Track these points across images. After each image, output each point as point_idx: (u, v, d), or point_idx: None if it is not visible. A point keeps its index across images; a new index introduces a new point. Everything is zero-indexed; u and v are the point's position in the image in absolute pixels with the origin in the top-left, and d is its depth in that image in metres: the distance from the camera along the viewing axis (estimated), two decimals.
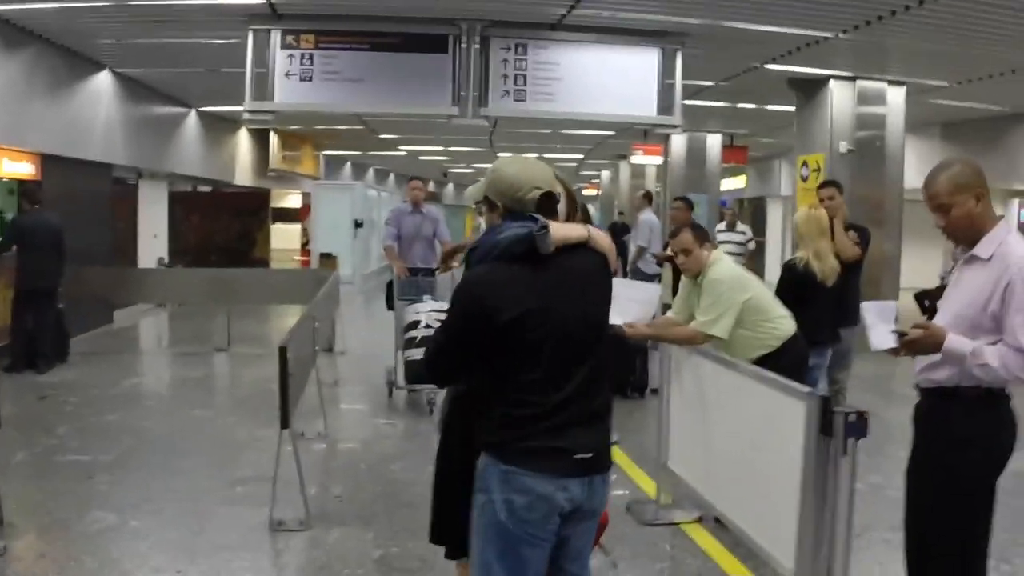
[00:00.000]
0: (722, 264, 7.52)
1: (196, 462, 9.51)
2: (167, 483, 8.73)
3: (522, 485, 3.83)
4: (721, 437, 6.90)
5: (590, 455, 3.94)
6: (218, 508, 8.03)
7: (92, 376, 14.04)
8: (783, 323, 7.50)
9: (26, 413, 11.62)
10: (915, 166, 19.21)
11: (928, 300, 15.96)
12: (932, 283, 22.98)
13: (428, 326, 5.35)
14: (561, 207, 4.27)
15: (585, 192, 51.80)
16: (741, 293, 7.30)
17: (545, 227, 3.84)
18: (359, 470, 9.42)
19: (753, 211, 38.23)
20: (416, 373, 5.56)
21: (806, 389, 5.50)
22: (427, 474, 5.15)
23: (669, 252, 9.46)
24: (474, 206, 4.41)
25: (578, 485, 3.92)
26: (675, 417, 7.89)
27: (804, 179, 17.82)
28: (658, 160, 29.22)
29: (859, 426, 4.93)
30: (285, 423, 7.14)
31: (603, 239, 4.18)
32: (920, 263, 21.91)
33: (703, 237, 7.61)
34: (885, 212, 17.04)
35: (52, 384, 13.33)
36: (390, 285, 12.59)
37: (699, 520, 7.74)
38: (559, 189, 4.21)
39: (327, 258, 28.50)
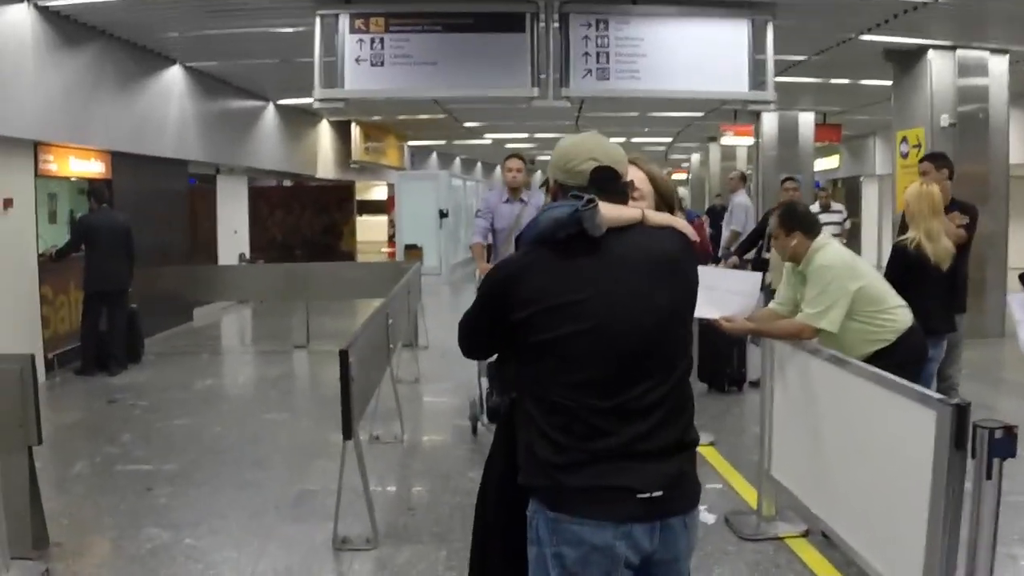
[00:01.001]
0: (830, 249, 6.77)
1: (265, 473, 8.96)
2: (231, 497, 8.21)
3: (572, 536, 3.19)
4: (832, 444, 6.12)
5: (660, 493, 3.20)
6: (283, 525, 7.47)
7: (165, 378, 13.65)
8: (900, 314, 6.76)
9: (92, 418, 11.28)
10: (1019, 139, 18.43)
11: None
12: None
13: None
14: (645, 204, 3.69)
15: (675, 176, 50.91)
16: (852, 281, 6.56)
17: (592, 203, 3.22)
18: (436, 478, 8.74)
19: (847, 191, 37.28)
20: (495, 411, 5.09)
21: (937, 396, 4.72)
22: None
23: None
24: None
25: (645, 532, 3.22)
26: (779, 420, 7.13)
27: (904, 156, 17.02)
28: (749, 141, 28.23)
29: (1006, 444, 4.15)
30: (348, 433, 6.47)
31: (682, 223, 3.55)
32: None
33: (788, 224, 6.89)
34: (990, 188, 16.18)
35: (123, 387, 12.94)
36: None
37: (805, 534, 7.04)
38: (627, 171, 3.61)
39: (412, 249, 28.01)
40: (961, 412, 4.41)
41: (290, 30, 14.55)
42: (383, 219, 41.00)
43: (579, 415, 3.21)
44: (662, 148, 41.26)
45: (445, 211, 29.90)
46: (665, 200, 3.80)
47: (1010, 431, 4.16)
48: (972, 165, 15.87)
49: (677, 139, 37.07)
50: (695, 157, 46.18)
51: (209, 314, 20.10)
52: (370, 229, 39.99)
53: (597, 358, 3.24)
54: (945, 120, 16.21)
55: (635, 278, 3.31)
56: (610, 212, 3.29)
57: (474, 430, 10.13)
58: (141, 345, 14.87)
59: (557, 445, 3.21)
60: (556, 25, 12.69)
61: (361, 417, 7.30)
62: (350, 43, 12.50)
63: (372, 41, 12.45)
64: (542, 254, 3.32)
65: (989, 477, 4.19)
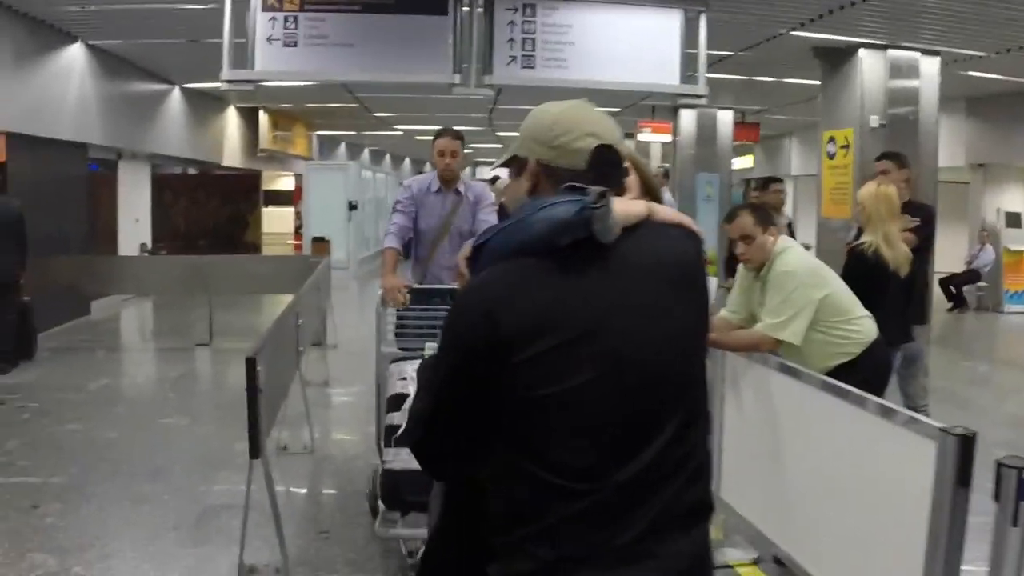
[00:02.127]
0: (792, 253, 6.19)
1: (163, 485, 8.24)
2: (126, 514, 7.51)
3: None
4: (796, 468, 5.50)
5: None
6: (183, 549, 6.79)
7: (58, 377, 12.87)
8: (865, 324, 6.24)
9: None
10: (948, 143, 18.23)
11: (954, 286, 14.87)
12: (959, 268, 22.30)
13: None
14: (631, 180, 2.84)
15: None
16: (817, 289, 6.00)
17: (604, 197, 2.43)
18: (349, 496, 8.04)
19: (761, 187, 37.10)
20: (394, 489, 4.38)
21: (938, 424, 4.09)
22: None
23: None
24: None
25: None
26: (730, 438, 6.55)
27: (831, 156, 16.63)
28: (666, 138, 27.65)
29: None
30: (255, 452, 5.70)
31: (689, 219, 2.79)
32: (948, 246, 20.69)
33: (766, 220, 6.30)
34: (920, 192, 15.69)
35: (12, 387, 12.13)
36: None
37: (756, 562, 6.50)
38: (626, 154, 2.81)
39: (319, 242, 27.29)
40: (966, 444, 3.86)
41: (199, 7, 13.79)
42: (290, 210, 40.34)
43: (587, 494, 2.40)
44: None
45: (355, 203, 29.17)
46: (651, 193, 3.01)
47: None
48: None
49: None
50: None
51: (108, 307, 19.19)
52: (276, 220, 39.33)
53: (613, 410, 2.44)
54: (875, 121, 15.85)
55: (651, 295, 2.54)
56: (624, 208, 2.56)
57: (373, 513, 6.76)
58: (34, 341, 14.03)
59: (554, 539, 2.40)
60: (480, 9, 12.02)
61: (271, 429, 6.61)
62: (262, 21, 11.70)
63: (286, 20, 11.67)
64: (533, 267, 2.48)
65: (1015, 524, 3.60)
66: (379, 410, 7.11)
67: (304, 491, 8.29)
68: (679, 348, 2.55)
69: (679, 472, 2.48)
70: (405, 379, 5.24)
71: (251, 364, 5.58)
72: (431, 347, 6.22)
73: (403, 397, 5.16)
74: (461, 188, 8.48)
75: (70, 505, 7.69)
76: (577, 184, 2.51)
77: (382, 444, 6.28)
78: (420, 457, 2.70)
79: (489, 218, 8.23)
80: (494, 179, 28.41)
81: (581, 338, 2.41)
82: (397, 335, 7.78)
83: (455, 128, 8.73)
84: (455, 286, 6.73)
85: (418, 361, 5.40)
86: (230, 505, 7.31)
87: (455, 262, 6.96)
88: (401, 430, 4.53)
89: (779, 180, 13.51)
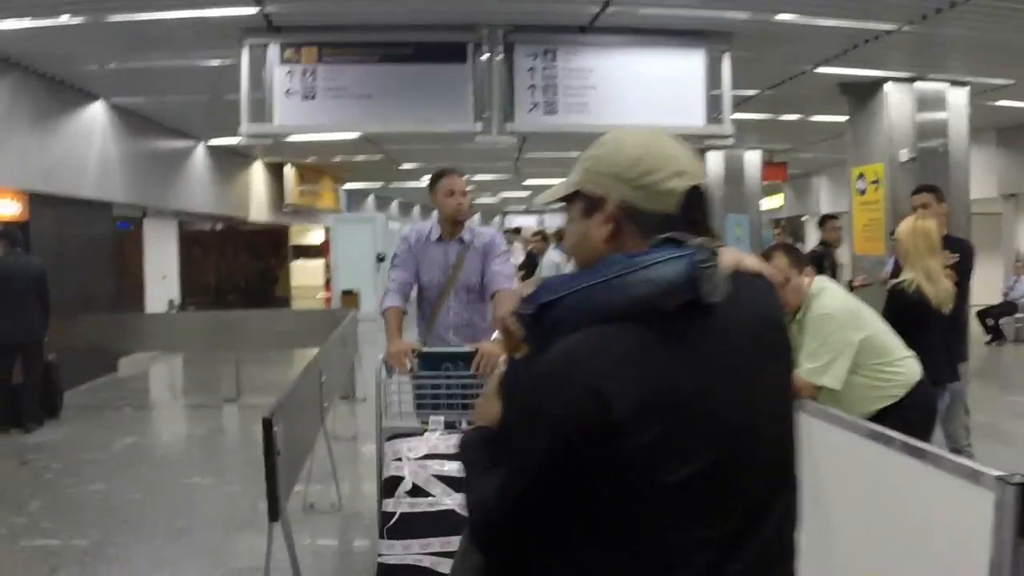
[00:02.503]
0: (829, 294, 6.02)
1: (185, 548, 8.03)
2: None
3: None
4: (838, 522, 5.21)
5: None
6: None
7: (83, 435, 12.69)
8: (908, 365, 6.03)
9: (1, 482, 10.29)
10: (979, 174, 18.02)
11: (992, 319, 14.55)
12: (995, 300, 21.98)
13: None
14: None
15: None
16: (856, 331, 5.82)
17: (712, 255, 2.15)
18: (376, 556, 7.80)
19: (791, 231, 36.98)
20: None
21: (995, 473, 3.74)
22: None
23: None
24: (517, 226, 2.91)
25: None
26: None
27: (862, 192, 16.42)
28: None
29: None
30: (274, 514, 5.51)
31: (768, 267, 2.58)
32: (983, 278, 20.36)
33: (801, 261, 6.10)
34: (953, 225, 15.52)
35: (36, 446, 12.00)
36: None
37: None
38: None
39: (348, 295, 27.17)
40: None
41: (218, 63, 13.79)
42: (319, 263, 40.32)
43: None
44: None
45: (383, 255, 29.04)
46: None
47: None
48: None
49: None
50: None
51: (136, 364, 19.02)
52: (306, 273, 39.32)
53: (735, 493, 2.20)
54: (904, 155, 15.65)
55: (756, 361, 2.29)
56: (731, 260, 2.34)
57: None
58: (60, 399, 13.87)
59: None
60: (500, 56, 11.92)
61: (291, 490, 6.41)
62: (279, 75, 11.70)
63: (303, 72, 11.66)
64: (635, 334, 2.13)
65: None
66: (379, 494, 6.26)
67: (330, 553, 8.05)
68: (785, 417, 2.39)
69: (785, 556, 2.35)
70: (400, 460, 5.14)
71: (267, 424, 5.41)
72: (436, 421, 6.19)
73: (398, 480, 5.10)
74: (466, 236, 7.42)
75: (88, 568, 7.52)
76: (677, 236, 2.21)
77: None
78: (487, 546, 2.33)
79: (503, 268, 7.33)
80: (517, 229, 28.34)
81: (697, 416, 2.13)
82: (419, 406, 6.79)
83: (457, 168, 7.80)
84: (466, 348, 6.68)
85: (415, 439, 5.47)
86: (253, 568, 7.09)
87: (464, 320, 7.48)
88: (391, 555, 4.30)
89: (835, 216, 13.39)
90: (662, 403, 2.07)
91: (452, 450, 4.84)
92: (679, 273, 2.10)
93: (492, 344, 6.33)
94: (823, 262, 11.91)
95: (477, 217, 52.26)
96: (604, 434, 2.04)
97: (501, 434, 2.37)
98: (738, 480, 2.18)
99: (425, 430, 6.15)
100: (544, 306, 2.22)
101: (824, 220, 13.44)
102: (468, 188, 7.66)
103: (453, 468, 5.52)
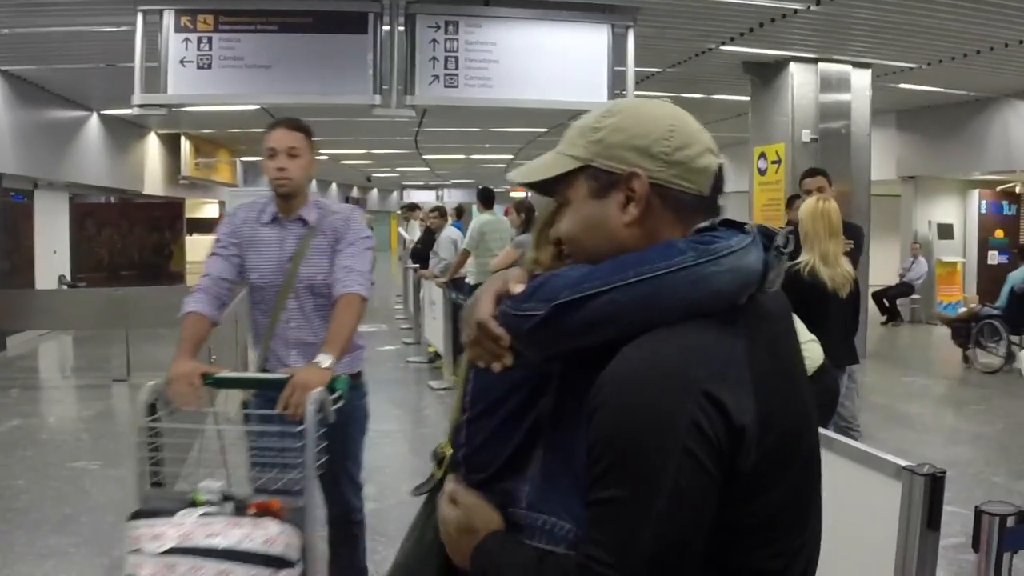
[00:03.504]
0: None
1: (70, 539, 7.70)
2: (29, 571, 7.01)
3: None
4: None
5: None
6: None
7: None
8: (812, 349, 5.95)
9: None
10: (880, 156, 18.19)
11: (888, 300, 14.57)
12: (892, 281, 22.21)
13: None
14: None
15: (513, 195, 50.24)
16: None
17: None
18: None
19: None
20: None
21: (903, 463, 3.68)
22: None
23: None
24: (411, 203, 2.63)
25: None
26: None
27: (763, 172, 16.48)
28: None
29: (1021, 534, 3.23)
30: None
31: None
32: (881, 259, 20.53)
33: None
34: (853, 206, 15.68)
35: None
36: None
37: None
38: None
39: None
40: (935, 484, 3.48)
41: (112, 29, 13.34)
42: (214, 238, 39.86)
43: None
44: (502, 166, 40.69)
45: None
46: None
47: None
48: (834, 183, 15.39)
49: (518, 156, 36.36)
50: None
51: (25, 342, 18.59)
52: (201, 248, 38.66)
53: (808, 509, 2.06)
54: (807, 136, 15.74)
55: (796, 354, 2.12)
56: None
57: None
58: None
59: None
60: (401, 27, 11.68)
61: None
62: (175, 43, 11.32)
63: (199, 41, 11.30)
64: (715, 331, 1.89)
65: (998, 574, 3.24)
66: None
67: None
68: (816, 426, 2.16)
69: (817, 550, 2.14)
70: (139, 553, 3.77)
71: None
72: (209, 489, 4.33)
73: None
74: (310, 215, 5.39)
75: None
76: (730, 221, 2.00)
77: None
78: None
79: (355, 262, 5.17)
80: (414, 205, 28.08)
81: (796, 427, 1.97)
82: (254, 464, 5.15)
83: (298, 119, 5.76)
84: (279, 375, 4.90)
85: (161, 521, 3.93)
86: None
87: (310, 334, 5.26)
88: None
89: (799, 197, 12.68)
90: (767, 409, 1.87)
91: (216, 541, 3.82)
92: (759, 262, 1.94)
93: (310, 370, 4.67)
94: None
95: (333, 190, 51.62)
96: (728, 448, 1.81)
97: (604, 479, 1.83)
98: (807, 491, 2.05)
99: (193, 503, 4.28)
100: (565, 306, 1.93)
101: (791, 200, 12.72)
102: (311, 145, 5.70)
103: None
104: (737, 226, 1.97)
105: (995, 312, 16.32)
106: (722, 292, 1.88)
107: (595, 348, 1.90)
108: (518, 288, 2.05)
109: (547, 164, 2.15)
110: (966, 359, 15.97)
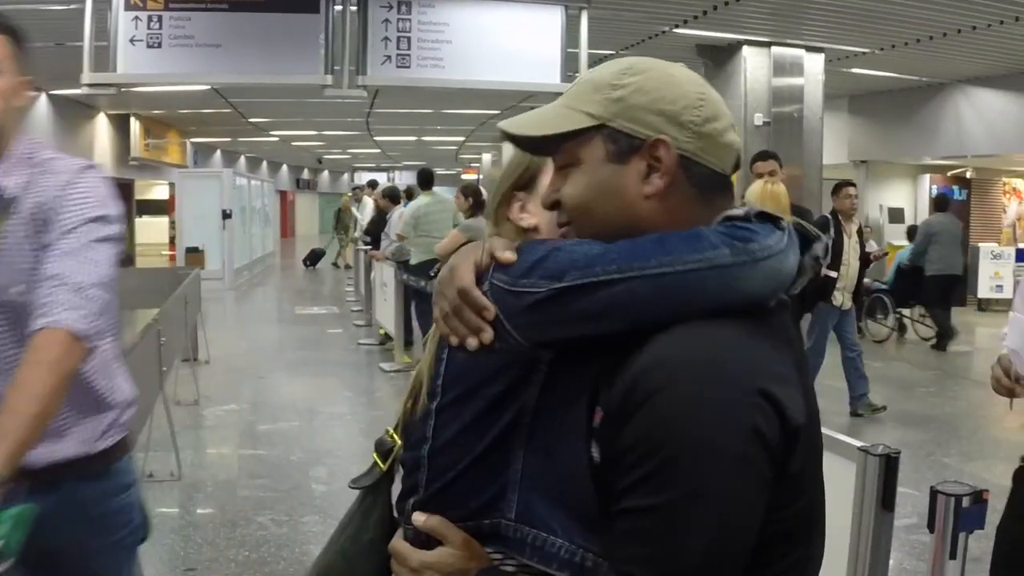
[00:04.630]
0: None
1: None
2: None
3: None
4: None
5: None
6: None
7: None
8: None
9: None
10: (832, 141, 18.26)
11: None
12: None
13: None
14: None
15: (465, 176, 50.08)
16: None
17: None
18: (220, 527, 7.45)
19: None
20: None
21: (858, 444, 3.65)
22: (303, 528, 3.34)
23: None
24: (371, 180, 2.49)
25: None
26: None
27: None
28: None
29: (976, 515, 3.21)
30: None
31: None
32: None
33: None
34: (805, 190, 15.70)
35: None
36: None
37: None
38: None
39: (193, 253, 26.57)
40: (890, 464, 3.46)
41: (61, 7, 13.16)
42: (164, 220, 39.55)
43: None
44: (453, 148, 40.63)
45: (228, 212, 28.45)
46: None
47: (980, 497, 3.23)
48: (786, 167, 15.42)
49: (469, 138, 36.29)
50: (487, 157, 45.25)
51: None
52: (151, 230, 38.41)
53: (822, 521, 1.89)
54: (759, 119, 15.71)
55: (804, 359, 1.90)
56: None
57: None
58: None
59: None
60: (354, 7, 11.57)
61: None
62: (124, 21, 11.13)
63: (149, 19, 11.11)
64: (752, 330, 1.73)
65: (953, 556, 3.25)
66: None
67: (170, 524, 7.66)
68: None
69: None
70: None
71: None
72: None
73: None
74: (9, 178, 3.00)
75: None
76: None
77: None
78: None
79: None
80: (373, 183, 27.92)
81: (817, 426, 1.80)
82: None
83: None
84: None
85: None
86: None
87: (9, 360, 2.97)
88: None
89: (852, 184, 11.98)
90: (813, 408, 1.76)
91: None
92: (795, 265, 1.79)
93: None
94: (827, 231, 10.84)
95: (284, 172, 51.24)
96: (783, 449, 1.66)
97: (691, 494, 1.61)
98: (822, 495, 1.88)
99: None
100: (572, 289, 1.73)
101: (837, 187, 11.99)
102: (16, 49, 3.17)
103: None
104: (772, 219, 1.80)
105: (883, 287, 17.87)
106: (755, 297, 1.74)
107: (592, 339, 1.75)
108: (509, 257, 1.85)
109: (554, 117, 1.90)
110: (860, 330, 16.18)
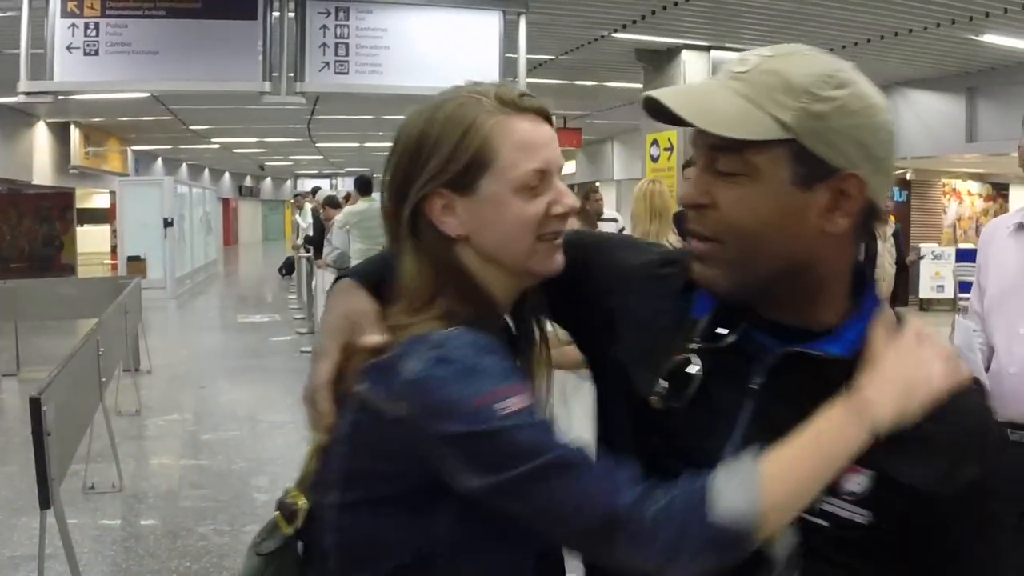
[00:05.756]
0: None
1: None
2: None
3: None
4: None
5: None
6: None
7: None
8: None
9: None
10: None
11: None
12: None
13: None
14: None
15: None
16: None
17: None
18: (161, 538, 7.40)
19: (583, 197, 37.25)
20: None
21: None
22: (245, 538, 3.34)
23: None
24: (314, 187, 2.28)
25: None
26: None
27: (655, 159, 16.56)
28: None
29: None
30: (45, 501, 5.12)
31: None
32: None
33: (592, 226, 5.96)
34: None
35: None
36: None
37: None
38: None
39: (135, 261, 26.39)
40: None
41: None
42: (106, 229, 39.23)
43: None
44: None
45: (170, 220, 28.24)
46: None
47: None
48: None
49: None
50: None
51: None
52: (92, 239, 38.11)
53: None
54: None
55: None
56: None
57: None
58: None
59: None
60: (292, 13, 11.54)
61: (67, 471, 6.02)
62: (61, 29, 11.02)
63: (86, 27, 11.02)
64: None
65: None
66: None
67: (111, 536, 7.60)
68: None
69: None
70: None
71: (35, 405, 5.00)
72: None
73: None
74: None
75: None
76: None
77: None
78: None
79: None
80: (315, 189, 27.84)
81: None
82: None
83: None
84: None
85: None
86: (31, 556, 6.67)
87: None
88: None
89: (595, 189, 12.79)
90: None
91: None
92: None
93: None
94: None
95: (226, 180, 51.14)
96: None
97: None
98: None
99: None
100: (453, 439, 1.64)
101: (587, 195, 12.25)
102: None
103: None
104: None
105: None
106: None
107: None
108: (373, 342, 1.75)
109: (736, 114, 1.62)
110: None
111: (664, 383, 1.74)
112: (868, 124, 1.61)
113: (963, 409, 1.63)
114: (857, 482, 1.61)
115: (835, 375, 1.63)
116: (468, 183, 1.81)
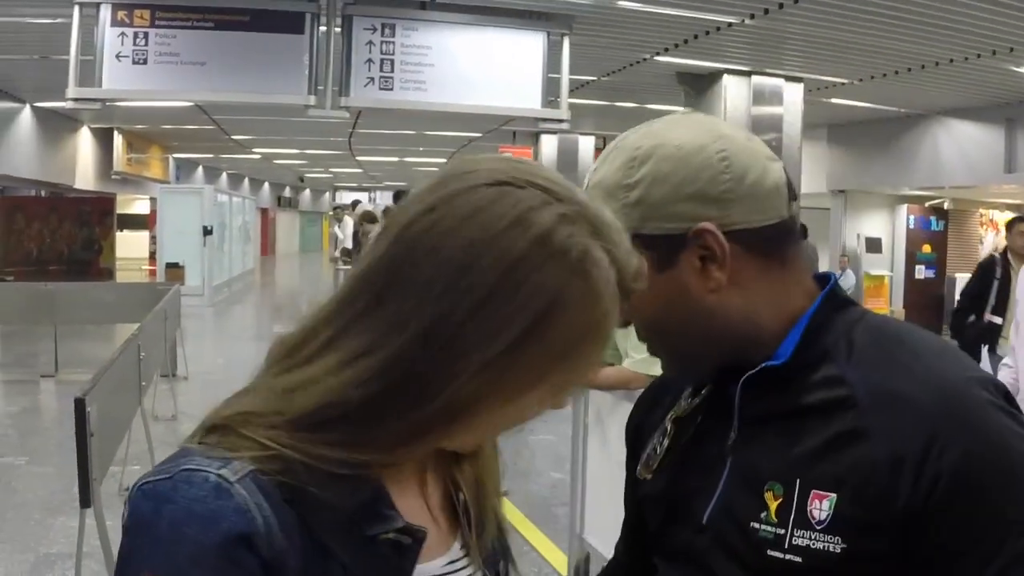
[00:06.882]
0: None
1: None
2: None
3: None
4: None
5: None
6: None
7: None
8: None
9: None
10: (810, 170, 18.32)
11: None
12: None
13: None
14: None
15: None
16: None
17: None
18: None
19: None
20: None
21: None
22: None
23: None
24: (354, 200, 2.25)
25: None
26: (593, 478, 6.26)
27: None
28: None
29: None
30: (86, 500, 5.25)
31: None
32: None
33: None
34: None
35: None
36: None
37: None
38: None
39: (173, 268, 26.59)
40: None
41: (48, 21, 13.15)
42: (145, 235, 39.49)
43: None
44: (435, 169, 40.71)
45: (209, 228, 28.45)
46: None
47: None
48: None
49: (451, 160, 36.40)
50: None
51: None
52: (131, 245, 38.41)
53: None
54: None
55: None
56: None
57: None
58: None
59: None
60: (338, 28, 11.67)
61: (106, 472, 6.13)
62: (110, 37, 11.21)
63: (135, 36, 11.19)
64: None
65: None
66: None
67: None
68: None
69: None
70: None
71: (80, 405, 5.14)
72: None
73: None
74: None
75: None
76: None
77: None
78: None
79: None
80: (355, 203, 28.00)
81: None
82: None
83: None
84: None
85: None
86: (67, 554, 6.81)
87: None
88: None
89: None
90: None
91: None
92: None
93: None
94: (992, 272, 10.25)
95: (266, 190, 51.28)
96: None
97: None
98: None
99: None
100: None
101: (1013, 223, 10.96)
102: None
103: None
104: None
105: None
106: None
107: None
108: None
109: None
110: None
111: (647, 452, 1.85)
112: (686, 176, 1.60)
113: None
114: (822, 508, 1.53)
115: (779, 383, 1.62)
116: None
